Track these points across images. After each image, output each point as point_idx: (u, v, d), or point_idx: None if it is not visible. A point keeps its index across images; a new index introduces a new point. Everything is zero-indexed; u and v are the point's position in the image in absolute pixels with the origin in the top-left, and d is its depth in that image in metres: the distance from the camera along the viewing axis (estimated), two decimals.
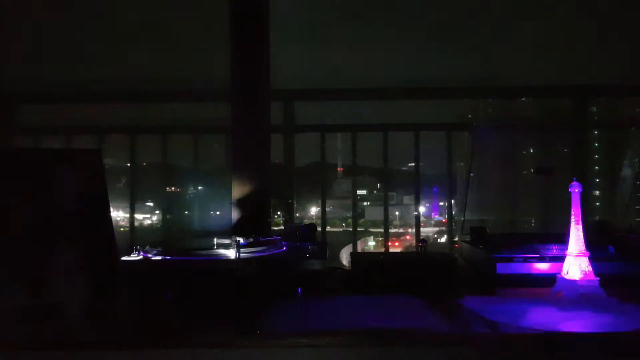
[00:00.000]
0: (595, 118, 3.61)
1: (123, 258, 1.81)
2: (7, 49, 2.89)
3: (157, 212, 3.69)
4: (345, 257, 3.43)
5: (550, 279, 1.76)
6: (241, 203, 2.60)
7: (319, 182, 3.59)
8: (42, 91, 3.39)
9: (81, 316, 1.56)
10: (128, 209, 3.37)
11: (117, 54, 3.52)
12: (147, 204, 3.74)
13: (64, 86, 3.37)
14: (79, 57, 3.48)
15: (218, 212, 3.41)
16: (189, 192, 3.66)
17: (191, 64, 3.39)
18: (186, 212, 3.72)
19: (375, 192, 5.34)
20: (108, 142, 3.36)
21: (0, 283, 1.52)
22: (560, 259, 1.77)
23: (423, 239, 2.26)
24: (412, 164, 3.52)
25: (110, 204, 1.80)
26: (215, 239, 1.93)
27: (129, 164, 3.40)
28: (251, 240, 1.90)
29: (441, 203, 4.07)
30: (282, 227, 3.43)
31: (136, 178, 3.43)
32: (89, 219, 1.70)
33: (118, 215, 3.40)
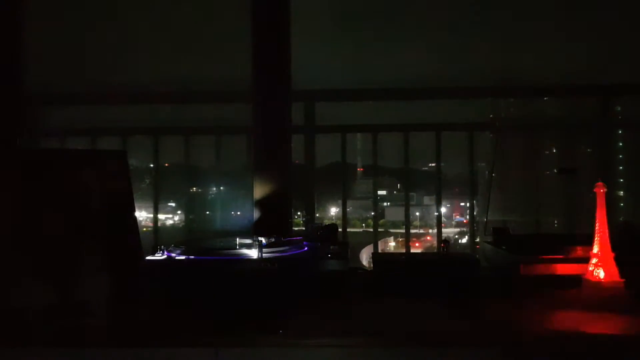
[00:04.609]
0: (620, 117, 3.56)
1: (147, 257, 1.83)
2: (32, 51, 2.94)
3: (179, 212, 3.73)
4: (365, 257, 3.44)
5: (574, 280, 1.74)
6: (262, 203, 2.61)
7: (339, 182, 3.60)
8: (67, 93, 3.45)
9: (106, 315, 1.58)
10: (151, 209, 3.41)
11: (140, 55, 3.56)
12: (170, 204, 3.78)
13: (88, 88, 3.43)
14: (102, 59, 3.54)
15: (239, 212, 3.44)
16: (211, 192, 3.69)
17: (213, 65, 3.42)
18: (207, 212, 3.75)
19: (395, 192, 5.33)
20: (131, 143, 3.40)
21: (26, 282, 1.56)
22: (585, 260, 1.75)
23: (445, 239, 2.25)
24: (433, 164, 3.50)
25: (135, 204, 1.83)
26: (237, 239, 1.95)
27: (152, 165, 3.44)
28: (273, 240, 1.91)
29: (462, 204, 4.04)
30: (302, 227, 3.44)
31: (159, 179, 3.47)
32: (114, 219, 1.72)
33: (141, 215, 3.44)
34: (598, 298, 1.64)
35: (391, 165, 4.17)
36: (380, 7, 3.63)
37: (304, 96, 3.36)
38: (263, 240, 1.85)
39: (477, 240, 3.38)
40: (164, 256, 1.85)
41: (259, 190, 2.62)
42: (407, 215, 3.53)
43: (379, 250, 3.90)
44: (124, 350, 1.40)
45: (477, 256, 2.17)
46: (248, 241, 1.93)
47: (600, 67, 3.37)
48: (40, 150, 2.67)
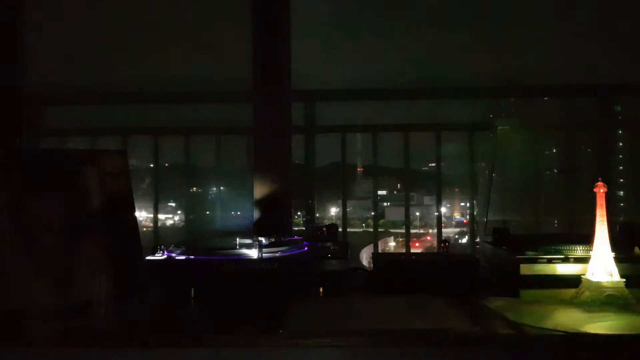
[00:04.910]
0: (620, 117, 3.55)
1: (147, 257, 1.84)
2: (32, 51, 2.94)
3: (179, 212, 3.73)
4: (365, 257, 3.43)
5: (574, 280, 1.74)
6: (262, 203, 2.62)
7: (339, 183, 3.60)
8: (68, 93, 3.45)
9: (106, 315, 1.58)
10: (151, 209, 3.41)
11: (139, 55, 3.56)
12: (170, 204, 3.78)
13: (89, 88, 3.43)
14: (102, 58, 3.54)
15: (239, 212, 3.44)
16: (211, 192, 3.69)
17: (213, 65, 3.42)
18: (207, 212, 3.75)
19: (395, 192, 5.33)
20: (131, 143, 3.40)
21: (26, 282, 1.56)
22: (585, 260, 1.75)
23: (445, 239, 2.25)
24: (433, 164, 3.50)
25: (135, 204, 1.83)
26: (237, 239, 1.95)
27: (152, 165, 3.44)
28: (273, 240, 1.91)
29: (462, 204, 4.04)
30: (302, 227, 3.44)
31: (159, 179, 3.47)
32: (114, 219, 1.73)
33: (141, 215, 3.44)
34: (598, 298, 1.64)
35: (391, 165, 4.17)
36: (380, 7, 3.63)
37: (304, 96, 3.36)
38: (263, 240, 1.85)
39: (477, 240, 3.38)
40: (164, 256, 1.85)
41: (259, 191, 2.62)
42: (407, 215, 3.53)
43: (379, 250, 3.90)
44: (124, 350, 1.40)
45: (477, 256, 2.17)
46: (248, 241, 1.93)
47: (600, 67, 3.37)
48: (40, 150, 2.67)
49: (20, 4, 2.89)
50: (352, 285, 1.97)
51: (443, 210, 3.61)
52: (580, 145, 3.47)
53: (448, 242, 2.13)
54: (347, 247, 2.08)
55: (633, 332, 1.44)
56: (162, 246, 1.88)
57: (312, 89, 3.38)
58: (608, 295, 1.64)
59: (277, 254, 1.84)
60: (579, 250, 1.86)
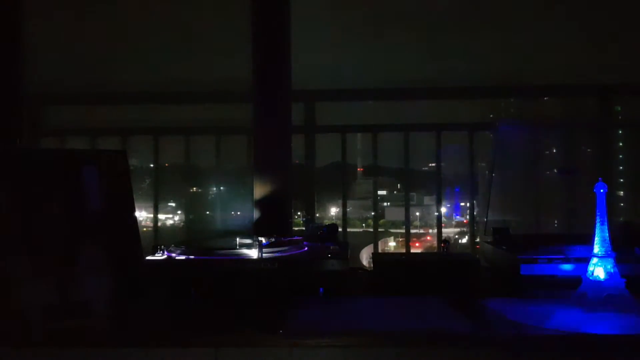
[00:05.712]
0: (620, 117, 3.55)
1: (148, 257, 1.83)
2: (32, 51, 2.94)
3: (180, 212, 3.73)
4: (365, 257, 3.43)
5: (575, 280, 1.74)
6: (262, 203, 2.62)
7: (339, 183, 3.60)
8: (68, 93, 3.45)
9: (106, 315, 1.58)
10: (151, 209, 3.41)
11: (140, 56, 3.57)
12: (170, 204, 3.78)
13: (89, 88, 3.43)
14: (103, 59, 3.54)
15: (239, 212, 3.44)
16: (211, 192, 3.69)
17: (213, 65, 3.42)
18: (207, 212, 3.75)
19: (395, 192, 5.32)
20: (131, 143, 3.41)
21: (26, 282, 1.55)
22: (585, 260, 1.74)
23: (446, 239, 2.25)
24: (433, 164, 3.50)
25: (135, 204, 1.83)
26: (237, 239, 1.95)
27: (152, 165, 3.45)
28: (273, 240, 1.91)
29: (462, 203, 4.04)
30: (302, 228, 3.44)
31: (159, 179, 3.47)
32: (114, 219, 1.72)
33: (141, 215, 3.44)
34: (598, 298, 1.64)
35: (391, 165, 4.17)
36: (380, 7, 3.63)
37: (304, 96, 3.36)
38: (263, 240, 1.86)
39: (477, 240, 3.38)
40: (164, 256, 1.85)
41: (259, 191, 2.62)
42: (407, 215, 3.53)
43: (379, 250, 3.90)
44: (123, 350, 1.40)
45: (477, 256, 2.17)
46: (248, 241, 1.93)
47: (600, 67, 3.37)
48: (40, 150, 2.67)
49: (21, 4, 2.89)
50: (352, 285, 1.97)
51: (443, 210, 3.61)
52: (580, 145, 3.47)
53: (448, 242, 2.14)
54: (347, 247, 2.08)
55: (633, 332, 1.44)
56: (162, 246, 1.88)
57: (312, 88, 3.38)
58: (608, 295, 1.64)
59: (277, 254, 1.84)
60: (579, 251, 1.86)
